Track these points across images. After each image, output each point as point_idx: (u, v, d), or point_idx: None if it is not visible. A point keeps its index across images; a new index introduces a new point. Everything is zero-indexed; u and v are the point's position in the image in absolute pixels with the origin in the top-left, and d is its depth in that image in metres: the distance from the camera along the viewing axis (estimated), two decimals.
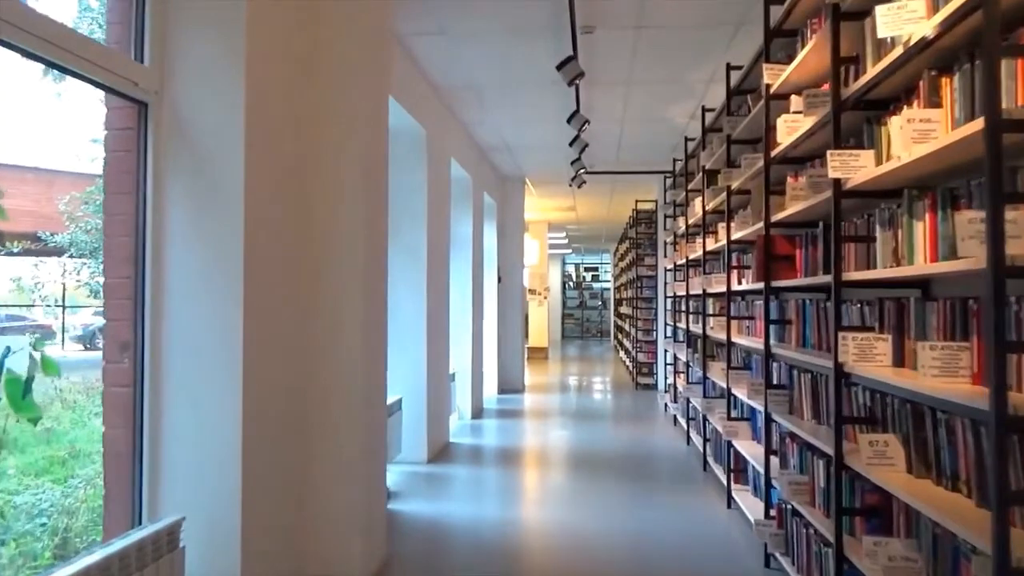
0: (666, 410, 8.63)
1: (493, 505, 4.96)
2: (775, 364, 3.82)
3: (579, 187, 8.85)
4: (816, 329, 3.33)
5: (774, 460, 3.69)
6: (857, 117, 2.77)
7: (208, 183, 2.85)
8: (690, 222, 6.59)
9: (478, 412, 8.47)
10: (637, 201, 11.08)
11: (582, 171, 7.99)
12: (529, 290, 16.76)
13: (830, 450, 2.75)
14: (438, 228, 6.44)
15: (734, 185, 4.59)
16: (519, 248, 10.88)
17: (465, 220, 8.10)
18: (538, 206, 13.57)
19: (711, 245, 5.63)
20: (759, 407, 3.94)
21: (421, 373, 5.95)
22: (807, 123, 3.16)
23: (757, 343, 4.16)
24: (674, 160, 8.08)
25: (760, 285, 3.84)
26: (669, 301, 8.61)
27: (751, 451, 4.30)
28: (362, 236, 3.53)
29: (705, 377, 5.71)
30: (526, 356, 15.56)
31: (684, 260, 6.89)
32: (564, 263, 25.86)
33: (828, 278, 2.80)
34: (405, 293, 5.93)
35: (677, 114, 6.85)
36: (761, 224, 3.74)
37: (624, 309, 15.12)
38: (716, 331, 5.19)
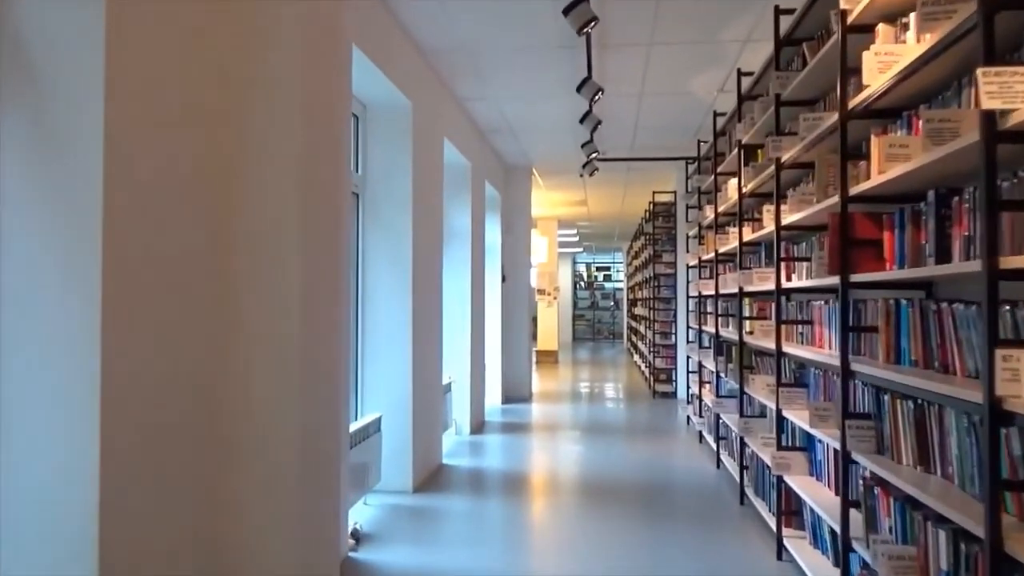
0: (688, 423, 7.71)
1: (489, 552, 4.05)
2: (850, 383, 2.90)
3: (590, 175, 7.94)
4: (918, 340, 2.41)
5: (855, 514, 2.78)
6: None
7: (54, 131, 1.98)
8: (720, 210, 5.67)
9: (479, 426, 7.58)
10: (654, 193, 10.16)
11: (594, 156, 7.08)
12: (538, 290, 15.87)
13: (972, 526, 1.84)
14: (428, 218, 5.55)
15: (786, 157, 3.68)
16: (526, 244, 9.98)
17: (463, 211, 7.21)
18: (547, 200, 12.67)
19: (750, 235, 4.71)
20: (828, 439, 3.03)
21: (405, 386, 5.06)
22: (913, 52, 2.25)
23: (817, 354, 3.25)
24: (699, 142, 7.16)
25: (829, 280, 2.93)
26: (692, 302, 7.69)
27: (812, 493, 3.38)
28: (297, 224, 2.65)
29: (742, 392, 4.79)
30: (535, 360, 14.68)
31: (712, 255, 5.98)
32: (575, 262, 24.94)
33: (972, 266, 1.87)
34: (386, 293, 5.04)
35: (704, 85, 5.93)
36: (834, 200, 2.83)
37: (639, 310, 14.20)
38: (758, 337, 4.28)
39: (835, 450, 3.22)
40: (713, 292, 6.04)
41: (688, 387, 7.84)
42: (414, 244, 5.10)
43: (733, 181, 5.11)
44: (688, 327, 7.75)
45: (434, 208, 5.77)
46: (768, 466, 4.10)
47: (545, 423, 8.11)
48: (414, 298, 5.09)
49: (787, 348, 3.75)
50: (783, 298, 3.89)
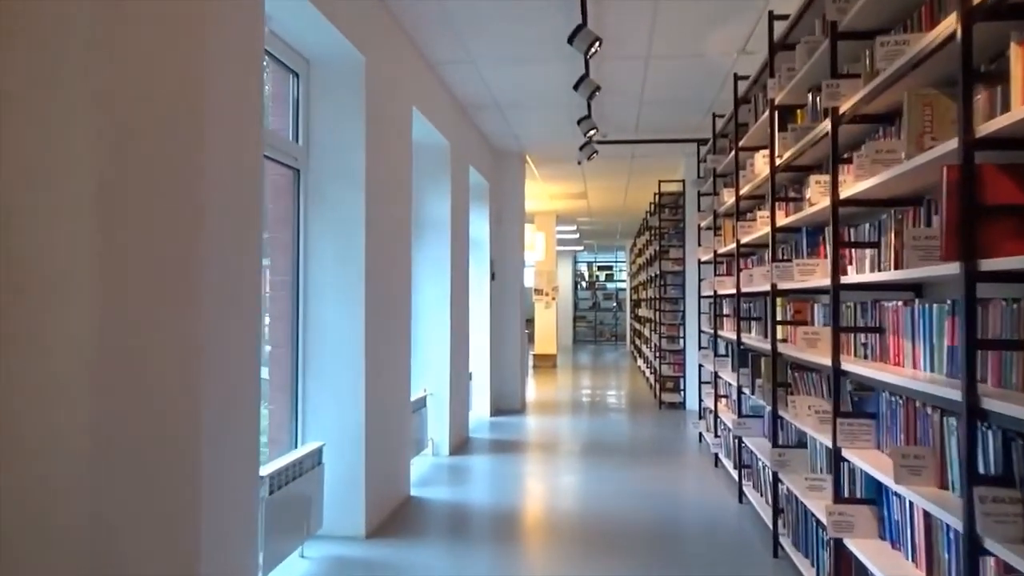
0: (701, 441, 6.74)
1: None
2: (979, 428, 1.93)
3: (589, 159, 6.98)
4: None
5: None
6: None
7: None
8: (744, 191, 4.70)
9: (460, 445, 6.61)
10: (660, 182, 9.19)
11: (592, 134, 6.12)
12: (535, 290, 14.92)
13: None
14: (391, 203, 4.59)
15: (847, 106, 2.71)
16: (519, 239, 9.02)
17: (441, 198, 6.24)
18: (543, 193, 11.71)
19: (785, 219, 3.75)
20: (928, 505, 2.06)
21: (356, 407, 4.09)
22: None
23: (896, 376, 2.29)
24: (714, 117, 6.19)
25: (938, 269, 1.96)
26: (705, 303, 6.73)
27: (888, 567, 2.41)
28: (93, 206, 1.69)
29: (776, 415, 3.83)
30: (531, 366, 13.71)
31: (732, 246, 5.01)
32: (576, 261, 23.97)
33: None
34: (333, 294, 4.08)
35: (723, 44, 4.96)
36: (948, 147, 1.86)
37: (643, 311, 13.22)
38: (800, 348, 3.30)
39: (925, 512, 2.26)
40: (733, 290, 5.08)
41: (700, 400, 6.88)
42: (368, 233, 4.13)
43: (762, 154, 4.14)
44: (700, 331, 6.79)
45: (399, 191, 4.81)
46: (812, 512, 3.14)
47: (537, 440, 7.14)
48: (368, 299, 4.13)
49: (848, 364, 2.78)
50: (835, 297, 2.92)
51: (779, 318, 3.93)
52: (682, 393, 8.93)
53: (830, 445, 2.85)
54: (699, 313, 6.83)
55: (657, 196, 9.71)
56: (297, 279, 4.09)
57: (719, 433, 5.79)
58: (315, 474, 3.75)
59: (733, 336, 5.08)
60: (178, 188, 2.35)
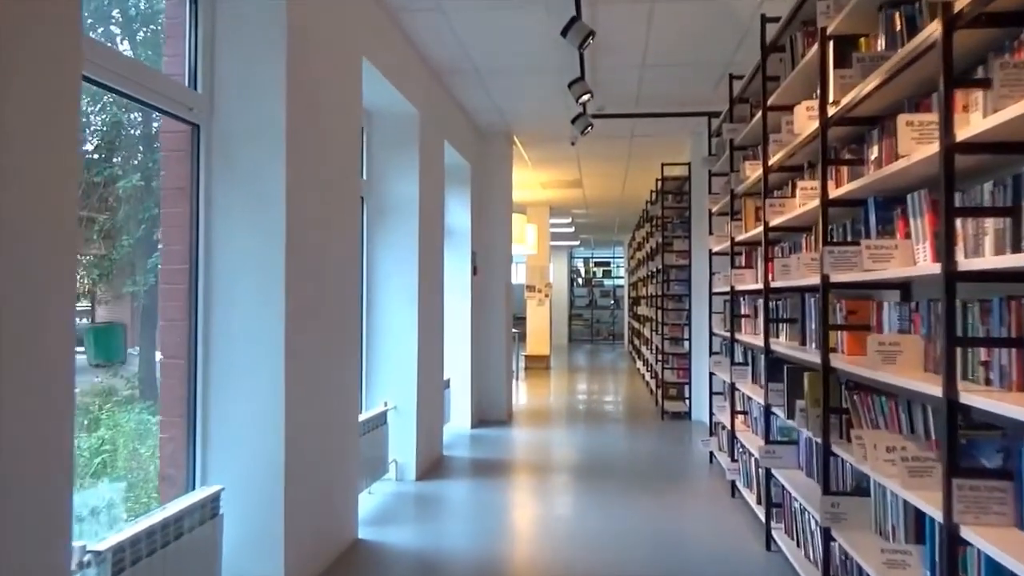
0: (712, 462, 5.80)
1: None
2: None
3: (583, 133, 6.02)
4: None
5: None
6: None
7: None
8: (775, 161, 3.74)
9: (431, 467, 5.65)
10: (663, 165, 8.22)
11: (586, 99, 5.15)
12: (527, 287, 13.97)
13: None
14: (327, 171, 3.63)
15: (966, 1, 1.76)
16: (505, 229, 8.05)
17: (405, 175, 5.27)
18: (535, 181, 10.75)
19: (844, 188, 2.79)
20: None
21: (275, 432, 3.12)
22: None
23: None
24: (731, 80, 5.21)
25: None
26: (717, 301, 5.78)
27: None
28: None
29: (828, 452, 2.87)
30: (522, 367, 12.75)
31: (757, 231, 4.07)
32: (572, 257, 23.01)
33: None
34: (243, 290, 3.11)
35: None
36: None
37: (642, 310, 12.26)
38: (875, 366, 2.34)
39: None
40: (756, 285, 4.14)
41: (711, 413, 5.92)
42: (291, 209, 3.17)
43: (805, 106, 3.18)
44: (711, 334, 5.84)
45: (344, 161, 3.84)
46: None
47: (524, 459, 6.19)
48: (292, 295, 3.16)
49: (969, 398, 1.82)
50: (949, 290, 1.95)
51: (832, 321, 2.97)
52: (687, 402, 7.98)
53: (937, 516, 1.89)
54: (710, 313, 5.88)
55: (659, 183, 8.75)
56: (195, 268, 3.13)
57: (736, 456, 4.83)
58: (211, 527, 2.79)
59: (756, 341, 4.13)
60: None
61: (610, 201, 13.07)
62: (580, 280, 23.39)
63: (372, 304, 5.14)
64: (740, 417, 4.90)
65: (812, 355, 3.06)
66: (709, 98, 6.31)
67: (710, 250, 5.83)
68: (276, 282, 3.12)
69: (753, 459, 4.31)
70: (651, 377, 10.14)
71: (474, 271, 7.38)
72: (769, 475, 3.82)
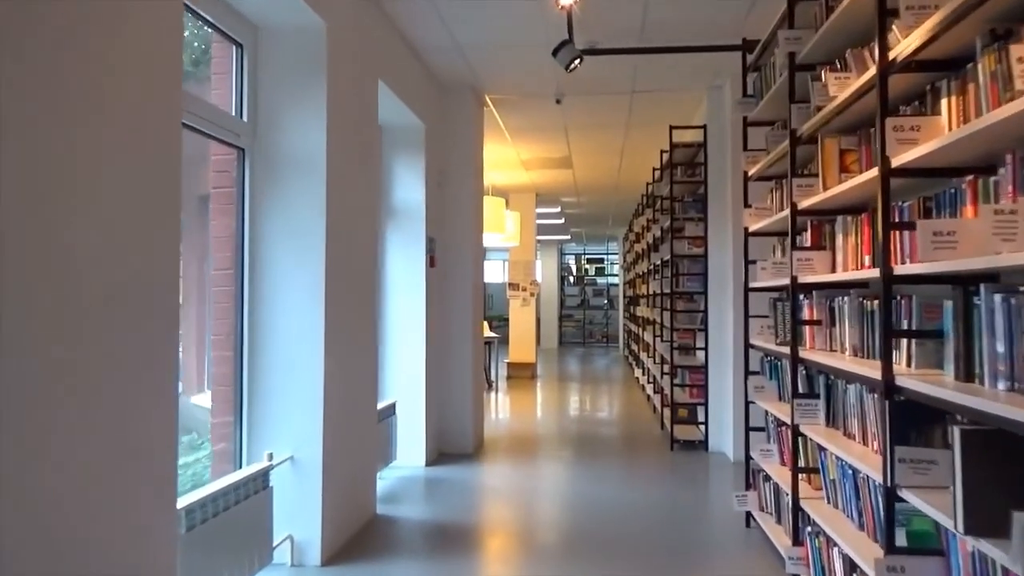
0: (750, 524, 4.15)
1: None
2: None
3: (569, 69, 4.36)
4: None
5: None
6: None
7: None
8: (900, 52, 2.07)
9: (350, 542, 3.95)
10: (672, 130, 6.55)
11: (571, 5, 3.47)
12: (510, 284, 12.30)
13: None
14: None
15: None
16: (474, 212, 6.38)
17: (305, 117, 3.55)
18: (515, 159, 9.08)
19: None
20: None
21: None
22: None
23: None
24: None
25: None
26: (757, 299, 4.15)
27: None
28: None
29: None
30: (504, 375, 11.08)
31: (860, 183, 2.41)
32: (562, 253, 21.36)
33: None
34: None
35: None
36: None
37: (641, 310, 10.61)
38: None
39: None
40: (846, 276, 2.50)
41: (747, 455, 4.26)
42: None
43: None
44: (747, 345, 4.19)
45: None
46: None
47: (488, 524, 4.53)
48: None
49: None
50: None
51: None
52: (703, 428, 6.33)
53: None
54: (745, 316, 4.22)
55: (665, 156, 7.10)
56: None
57: (802, 537, 3.17)
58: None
59: (841, 364, 2.50)
60: None
61: (604, 186, 11.42)
62: (571, 278, 21.75)
63: (255, 301, 3.46)
64: (807, 478, 3.25)
65: (984, 402, 1.41)
66: (737, 28, 4.68)
67: (745, 230, 4.17)
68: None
69: (836, 551, 2.66)
70: (654, 391, 8.50)
71: (431, 262, 5.71)
72: (851, 566, 2.17)
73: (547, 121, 7.28)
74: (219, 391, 3.50)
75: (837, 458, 2.87)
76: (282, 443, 3.45)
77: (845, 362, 2.69)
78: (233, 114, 3.37)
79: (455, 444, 6.04)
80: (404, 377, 5.49)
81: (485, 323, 10.95)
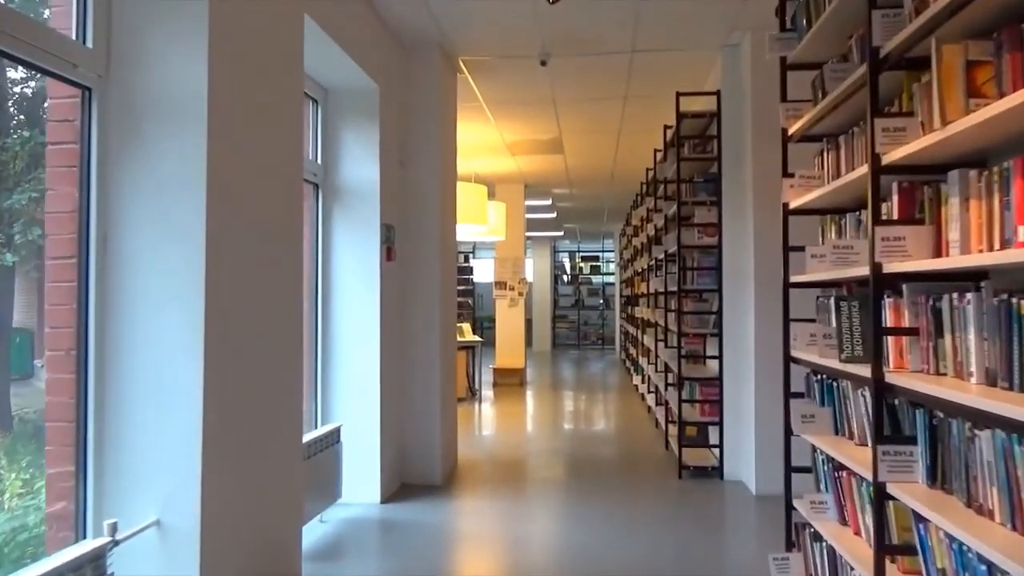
0: None
1: None
2: None
3: (552, 1, 3.35)
4: None
5: None
6: None
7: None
8: None
9: None
10: (679, 97, 5.52)
11: None
12: (496, 283, 11.29)
13: None
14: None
15: None
16: (443, 197, 5.36)
17: (182, 45, 2.53)
18: (498, 141, 8.06)
19: None
20: None
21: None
22: None
23: None
24: None
25: None
26: (800, 297, 3.15)
27: None
28: None
29: None
30: (490, 382, 10.06)
31: (966, 126, 1.39)
32: (555, 250, 20.34)
33: None
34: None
35: None
36: None
37: (640, 311, 9.60)
38: None
39: None
40: (978, 261, 1.48)
41: (789, 503, 3.24)
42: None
43: None
44: (788, 359, 3.19)
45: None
46: None
47: None
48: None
49: None
50: None
51: None
52: (716, 452, 5.32)
53: None
54: (785, 320, 3.21)
55: (670, 132, 6.09)
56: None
57: None
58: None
59: (963, 398, 1.51)
60: None
61: (599, 175, 10.41)
62: (565, 277, 20.74)
63: (107, 302, 2.44)
64: (898, 558, 2.25)
65: None
66: None
67: (785, 207, 3.16)
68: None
69: None
70: (656, 403, 7.50)
71: (388, 254, 4.69)
72: None
73: (533, 92, 6.27)
74: (55, 429, 2.50)
75: (950, 538, 1.87)
76: (144, 501, 2.44)
77: (971, 394, 1.70)
78: (75, 38, 2.37)
79: (420, 473, 5.02)
80: (354, 394, 4.48)
81: (467, 327, 9.94)
